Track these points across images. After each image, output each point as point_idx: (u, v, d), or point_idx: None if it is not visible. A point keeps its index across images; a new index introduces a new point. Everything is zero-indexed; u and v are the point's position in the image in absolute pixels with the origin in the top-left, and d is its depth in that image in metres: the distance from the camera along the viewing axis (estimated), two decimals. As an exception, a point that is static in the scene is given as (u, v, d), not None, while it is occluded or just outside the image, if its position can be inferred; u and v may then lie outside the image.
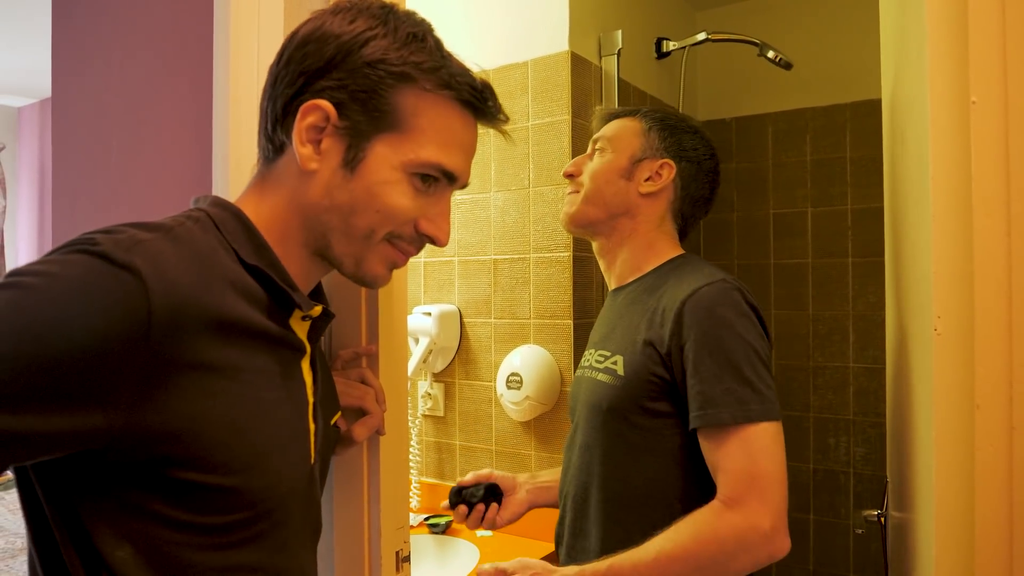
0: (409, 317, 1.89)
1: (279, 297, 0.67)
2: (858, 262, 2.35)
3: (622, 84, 1.96)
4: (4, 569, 2.13)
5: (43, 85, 4.15)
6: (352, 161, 0.67)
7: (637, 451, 1.08)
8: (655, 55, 2.25)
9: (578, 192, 1.23)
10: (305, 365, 0.73)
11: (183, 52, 1.14)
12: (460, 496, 1.24)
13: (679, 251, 1.22)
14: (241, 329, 0.62)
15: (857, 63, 2.30)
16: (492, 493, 1.24)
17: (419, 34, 0.68)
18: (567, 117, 1.78)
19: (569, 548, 1.17)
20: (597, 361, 1.18)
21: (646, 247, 1.21)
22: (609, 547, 1.05)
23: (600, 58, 1.92)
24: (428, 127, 0.68)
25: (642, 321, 1.12)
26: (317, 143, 0.66)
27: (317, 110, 0.65)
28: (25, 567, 2.10)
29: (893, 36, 1.18)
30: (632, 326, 1.14)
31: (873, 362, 2.32)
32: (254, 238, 0.67)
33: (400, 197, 0.68)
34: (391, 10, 0.69)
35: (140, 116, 1.22)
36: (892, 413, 1.28)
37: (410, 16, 0.70)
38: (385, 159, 0.67)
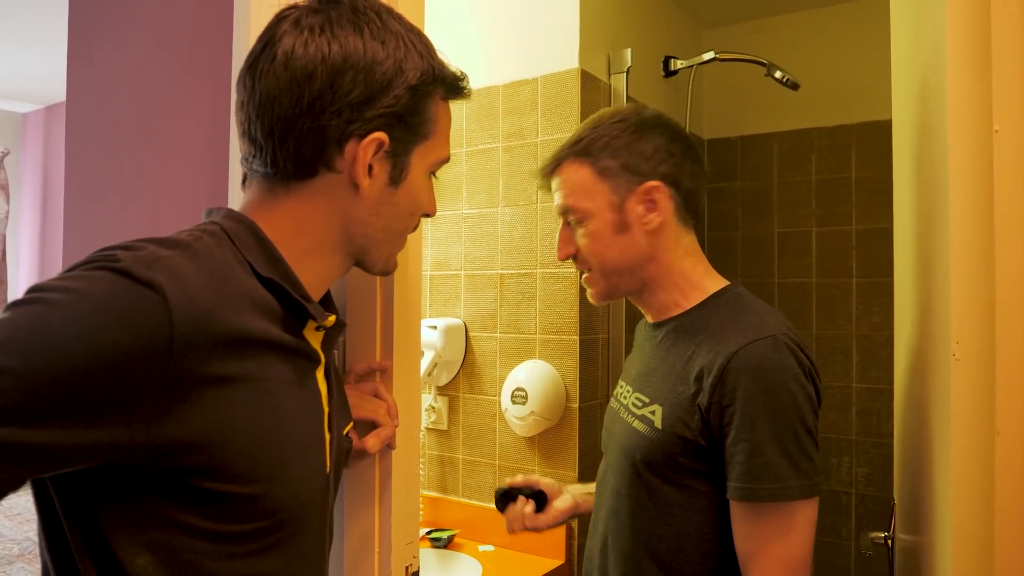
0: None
1: (293, 308, 0.68)
2: (862, 282, 2.36)
3: (630, 102, 1.97)
4: (1, 575, 2.11)
5: (48, 91, 4.16)
6: (397, 178, 0.72)
7: (669, 505, 1.02)
8: (663, 73, 2.26)
9: (590, 270, 1.10)
10: (320, 375, 0.73)
11: (201, 60, 1.15)
12: (509, 494, 1.24)
13: (720, 281, 1.09)
14: (258, 342, 0.63)
15: (864, 84, 2.32)
16: (539, 497, 1.23)
17: (427, 41, 0.73)
18: (576, 133, 1.79)
19: None
20: (635, 405, 1.09)
21: (679, 279, 1.08)
22: None
23: (609, 75, 1.93)
24: (443, 128, 0.75)
25: (683, 370, 1.02)
26: (368, 170, 0.69)
27: (377, 142, 0.68)
28: (22, 573, 2.07)
29: (906, 58, 1.19)
30: (673, 374, 1.04)
31: (876, 382, 2.32)
32: (267, 251, 0.67)
33: (427, 194, 0.77)
34: (393, 14, 0.71)
35: (155, 123, 1.22)
36: (901, 435, 1.28)
37: (403, 18, 0.72)
38: (420, 167, 0.74)
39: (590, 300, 1.15)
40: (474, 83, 2.02)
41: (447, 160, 0.77)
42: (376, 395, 0.90)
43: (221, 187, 1.09)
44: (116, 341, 0.53)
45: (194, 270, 0.59)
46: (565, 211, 1.08)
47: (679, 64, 2.25)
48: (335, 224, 0.71)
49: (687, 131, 2.24)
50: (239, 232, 0.67)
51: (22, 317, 0.53)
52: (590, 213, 1.06)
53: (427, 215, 0.79)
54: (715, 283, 1.09)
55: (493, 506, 1.87)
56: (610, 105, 1.93)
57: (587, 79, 1.83)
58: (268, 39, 0.68)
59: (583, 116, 1.80)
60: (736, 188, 2.57)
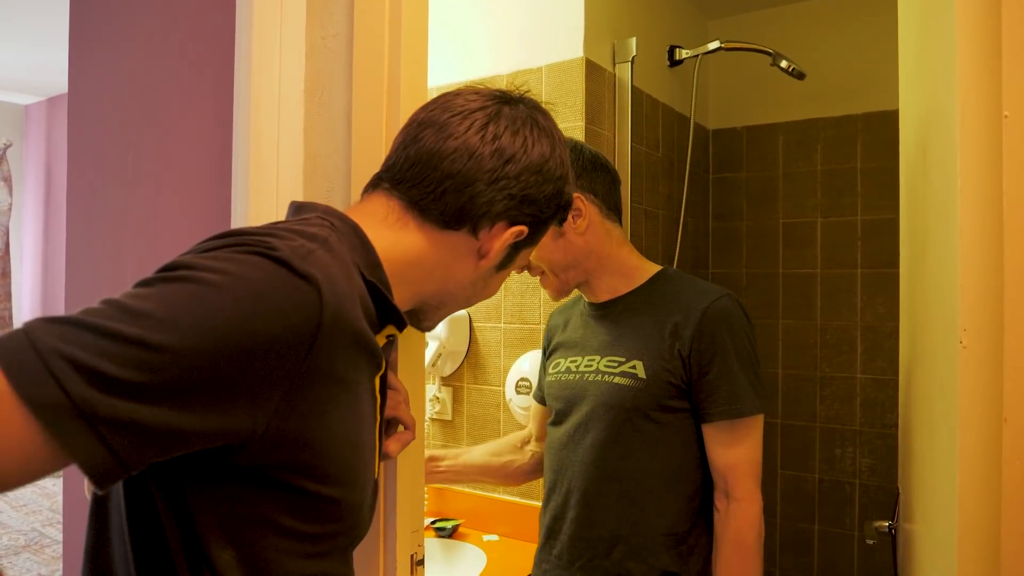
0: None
1: (383, 314, 0.68)
2: (867, 273, 2.35)
3: (635, 91, 1.96)
4: (8, 565, 2.13)
5: (50, 83, 4.15)
6: (504, 265, 0.80)
7: (654, 443, 1.23)
8: (668, 63, 2.25)
9: (544, 274, 1.30)
10: (378, 382, 0.73)
11: (204, 52, 1.14)
12: None
13: (654, 265, 1.35)
14: (364, 345, 0.63)
15: (870, 74, 2.30)
16: None
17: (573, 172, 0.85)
18: (581, 123, 1.79)
19: (574, 539, 1.28)
20: (607, 366, 1.27)
21: (620, 265, 1.32)
22: (624, 530, 1.23)
23: (614, 64, 1.93)
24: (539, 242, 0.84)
25: (656, 329, 1.25)
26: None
27: (519, 233, 0.76)
28: (28, 563, 2.07)
29: (914, 47, 1.18)
30: (645, 334, 1.26)
31: (881, 373, 2.32)
32: (370, 255, 0.68)
33: (501, 283, 0.85)
34: (563, 140, 0.80)
35: (158, 113, 1.22)
36: (905, 424, 1.28)
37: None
38: (516, 263, 0.82)
39: (551, 298, 1.35)
40: (478, 72, 2.02)
41: (526, 265, 0.86)
42: (389, 386, 0.90)
43: (224, 178, 1.09)
44: (269, 330, 0.53)
45: (335, 266, 0.60)
46: None
47: (684, 53, 2.24)
48: (440, 275, 0.75)
49: (692, 121, 2.24)
50: (347, 232, 0.67)
51: (176, 295, 0.52)
52: None
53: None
54: (651, 266, 1.34)
55: (498, 496, 1.87)
56: (615, 94, 1.92)
57: (592, 68, 1.82)
58: (476, 106, 0.75)
59: (588, 105, 1.79)
60: (741, 179, 2.57)
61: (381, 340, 0.72)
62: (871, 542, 1.34)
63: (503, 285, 1.89)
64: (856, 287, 2.37)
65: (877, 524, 1.37)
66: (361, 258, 0.66)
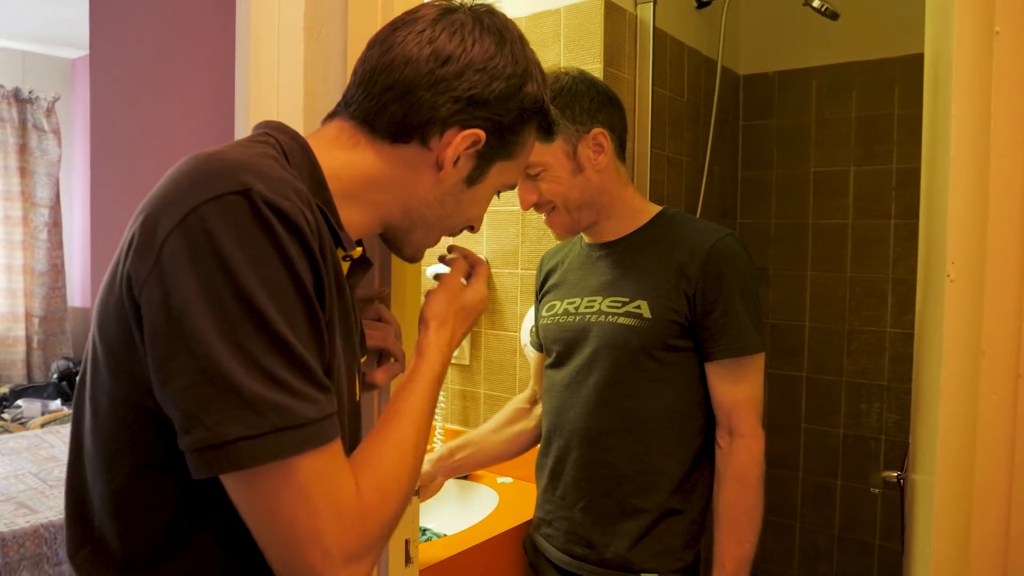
0: (436, 267, 1.90)
1: (335, 236, 0.68)
2: (901, 224, 2.27)
3: (658, 34, 1.90)
4: (59, 495, 2.26)
5: (94, 35, 4.23)
6: (474, 180, 0.76)
7: (658, 382, 1.24)
8: (695, 4, 2.17)
9: (555, 210, 1.27)
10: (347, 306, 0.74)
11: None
12: None
13: (654, 205, 1.34)
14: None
15: (908, 14, 2.17)
16: None
17: (546, 76, 0.79)
18: (599, 66, 1.75)
19: (578, 480, 1.28)
20: (610, 306, 1.26)
21: (626, 205, 1.31)
22: (629, 468, 1.24)
23: (636, 5, 1.87)
24: (524, 156, 0.80)
25: (660, 269, 1.24)
26: (456, 159, 0.73)
27: (475, 137, 0.72)
28: (57, 503, 2.16)
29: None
30: (649, 274, 1.25)
31: (911, 327, 2.25)
32: (316, 175, 0.68)
33: (484, 208, 0.82)
34: (527, 44, 0.78)
35: (168, 63, 1.25)
36: (916, 373, 1.25)
37: (531, 50, 0.78)
38: (493, 180, 0.78)
39: (557, 237, 1.34)
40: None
41: (513, 187, 0.84)
42: (380, 319, 0.91)
43: (229, 116, 1.10)
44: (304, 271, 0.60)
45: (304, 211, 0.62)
46: (528, 167, 1.24)
47: (713, -6, 2.16)
48: (401, 194, 0.74)
49: (720, 65, 2.17)
50: (293, 149, 0.68)
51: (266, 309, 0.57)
52: (548, 165, 1.23)
53: (471, 228, 0.83)
54: (652, 206, 1.33)
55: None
56: (636, 38, 1.87)
57: (611, 9, 1.77)
58: (419, 15, 0.74)
59: (607, 48, 1.75)
60: (772, 126, 2.49)
61: (345, 267, 0.72)
62: (875, 491, 1.34)
63: (520, 232, 1.89)
64: (889, 238, 2.29)
65: (885, 474, 1.35)
66: (305, 177, 0.66)
